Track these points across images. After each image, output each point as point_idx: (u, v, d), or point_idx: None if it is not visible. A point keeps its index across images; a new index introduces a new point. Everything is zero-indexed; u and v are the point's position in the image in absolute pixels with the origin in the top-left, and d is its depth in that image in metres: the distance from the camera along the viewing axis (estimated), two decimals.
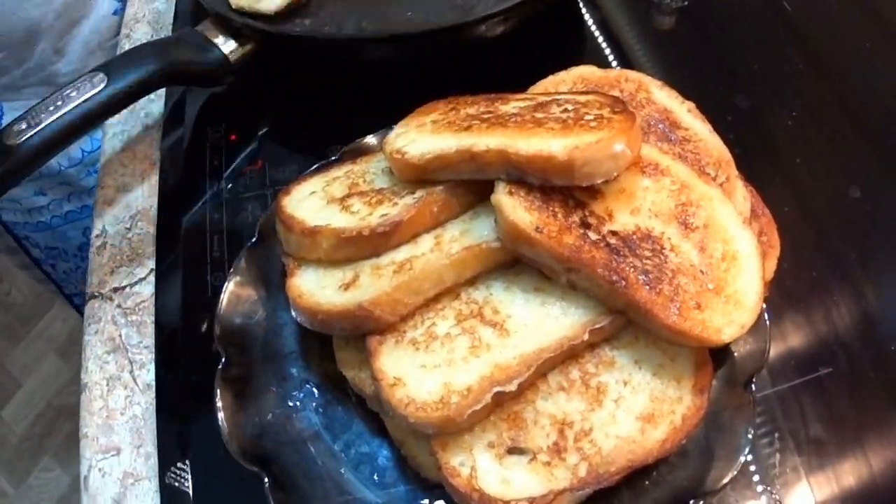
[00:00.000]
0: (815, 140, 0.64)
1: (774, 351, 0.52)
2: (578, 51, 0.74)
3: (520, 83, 0.55)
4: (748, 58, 0.71)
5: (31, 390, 1.70)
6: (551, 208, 0.43)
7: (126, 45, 0.77)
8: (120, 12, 0.88)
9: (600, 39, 0.74)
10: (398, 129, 0.51)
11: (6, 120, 0.66)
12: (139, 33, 0.78)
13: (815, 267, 0.57)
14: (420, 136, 0.48)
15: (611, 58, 0.72)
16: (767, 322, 0.47)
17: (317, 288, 0.46)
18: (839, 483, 0.48)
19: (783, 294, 0.55)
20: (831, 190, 0.61)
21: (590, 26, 0.76)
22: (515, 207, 0.42)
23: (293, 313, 0.47)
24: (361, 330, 0.44)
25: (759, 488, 0.47)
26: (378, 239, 0.45)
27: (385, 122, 0.54)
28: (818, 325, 0.54)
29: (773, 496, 0.47)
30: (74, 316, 1.16)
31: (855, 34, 0.73)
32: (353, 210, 0.47)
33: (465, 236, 0.46)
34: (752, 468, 0.48)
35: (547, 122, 0.44)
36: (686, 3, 0.76)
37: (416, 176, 0.47)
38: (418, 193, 0.47)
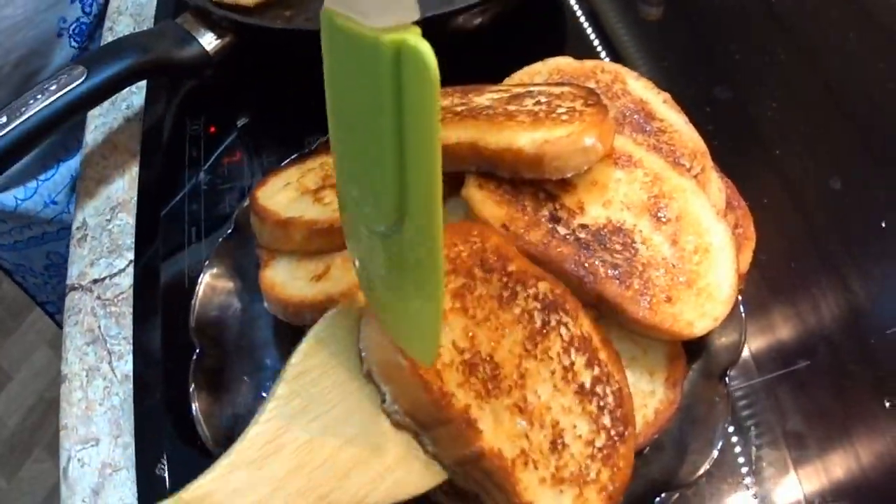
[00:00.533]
0: (796, 131, 0.64)
1: (754, 343, 0.53)
2: (563, 41, 0.74)
3: (504, 75, 0.55)
4: (731, 48, 0.71)
5: (23, 383, 1.70)
6: (521, 202, 0.43)
7: (109, 38, 0.77)
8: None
9: (589, 31, 0.74)
10: None
11: None
12: (121, 26, 0.78)
13: (795, 258, 0.57)
14: None
15: (598, 48, 0.72)
16: (743, 314, 0.47)
17: (289, 279, 0.46)
18: (826, 474, 0.48)
19: (762, 286, 0.55)
20: (812, 181, 0.61)
21: (578, 17, 0.75)
22: (485, 202, 0.42)
23: (266, 304, 0.47)
24: None
25: (739, 480, 0.47)
26: None
27: None
28: (798, 316, 0.54)
29: (752, 488, 0.47)
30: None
31: (838, 24, 0.72)
32: (326, 202, 0.47)
33: None
34: (733, 460, 0.48)
35: (518, 115, 0.43)
36: None
37: None
38: None
